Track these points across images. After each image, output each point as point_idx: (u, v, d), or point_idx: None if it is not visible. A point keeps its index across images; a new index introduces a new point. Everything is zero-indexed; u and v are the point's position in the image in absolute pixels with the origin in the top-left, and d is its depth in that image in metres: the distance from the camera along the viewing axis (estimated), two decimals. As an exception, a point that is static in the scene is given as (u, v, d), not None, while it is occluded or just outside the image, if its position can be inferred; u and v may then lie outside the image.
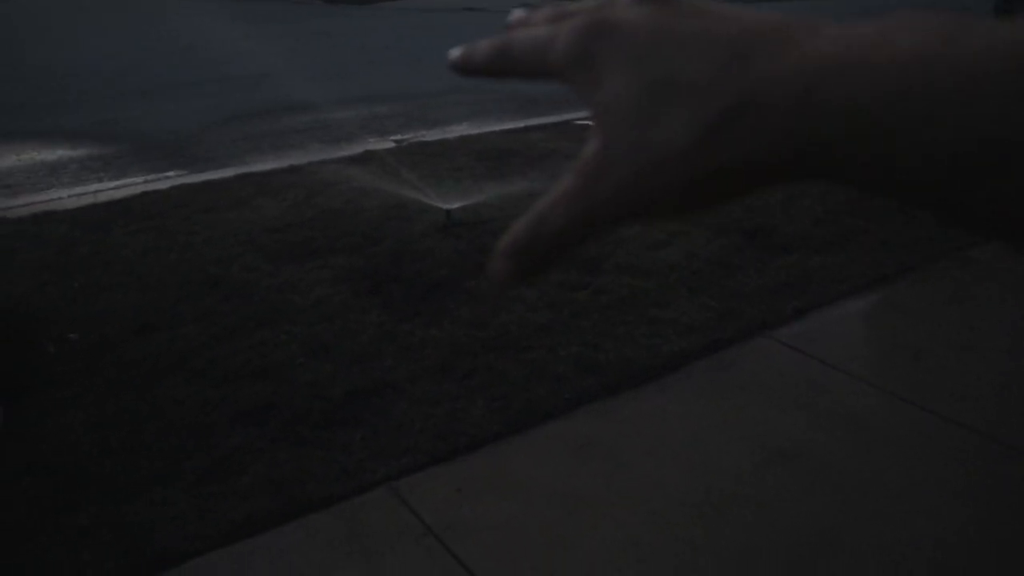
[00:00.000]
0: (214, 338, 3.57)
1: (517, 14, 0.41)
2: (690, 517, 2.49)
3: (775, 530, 2.44)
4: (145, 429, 2.98)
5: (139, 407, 3.11)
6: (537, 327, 3.52)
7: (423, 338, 3.48)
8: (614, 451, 2.81)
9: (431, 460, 2.76)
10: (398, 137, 6.79)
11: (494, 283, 0.40)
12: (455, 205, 4.73)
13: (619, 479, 2.67)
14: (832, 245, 4.27)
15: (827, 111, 0.30)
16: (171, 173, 6.11)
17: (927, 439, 2.82)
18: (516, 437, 2.88)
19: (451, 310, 3.70)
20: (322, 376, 3.26)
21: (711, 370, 3.24)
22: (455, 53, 0.41)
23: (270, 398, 3.14)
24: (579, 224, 0.36)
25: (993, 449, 2.75)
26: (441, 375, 3.22)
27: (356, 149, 6.34)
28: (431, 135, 6.80)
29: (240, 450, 2.87)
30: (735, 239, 4.35)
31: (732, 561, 2.34)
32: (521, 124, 6.94)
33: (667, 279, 3.92)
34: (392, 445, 2.84)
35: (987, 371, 3.20)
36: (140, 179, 6.02)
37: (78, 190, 5.85)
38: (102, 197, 5.51)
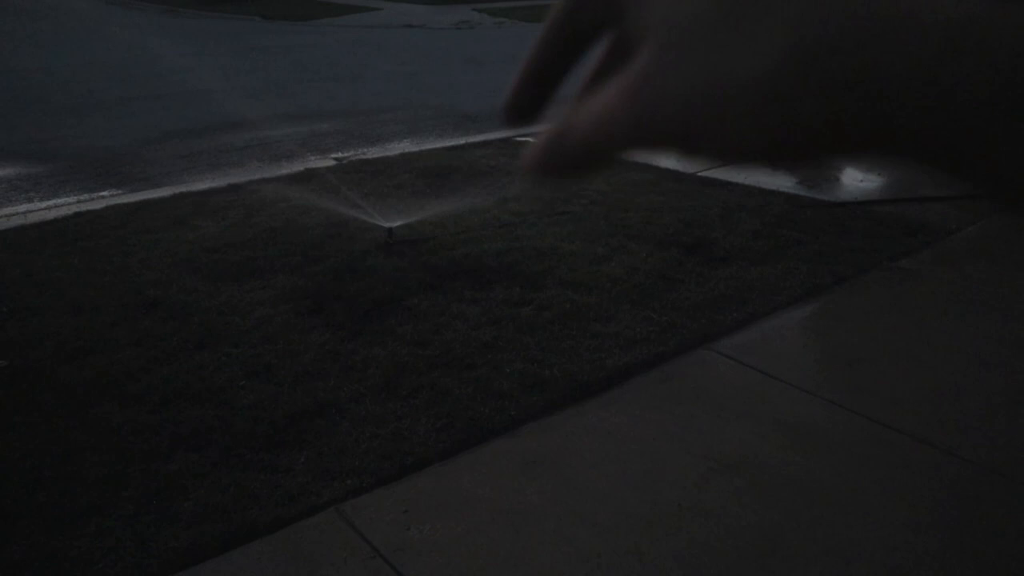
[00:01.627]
0: (152, 361, 3.49)
1: None
2: (638, 529, 2.51)
3: (721, 538, 2.47)
4: (80, 457, 2.90)
5: (73, 435, 3.02)
6: (481, 344, 3.52)
7: (366, 357, 3.46)
8: (560, 466, 2.82)
9: (377, 481, 2.74)
10: (338, 155, 6.75)
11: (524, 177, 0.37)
12: (396, 223, 4.72)
13: (566, 494, 2.68)
14: (769, 257, 4.37)
15: (983, 64, 0.24)
16: (105, 192, 5.98)
17: (865, 444, 2.90)
18: (462, 455, 2.88)
19: (394, 328, 3.68)
20: (264, 398, 3.21)
21: (655, 383, 3.28)
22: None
23: (211, 422, 3.08)
24: (608, 142, 0.31)
25: (929, 452, 2.83)
26: (385, 394, 3.20)
27: (296, 167, 6.29)
28: (372, 152, 6.77)
29: (180, 476, 2.81)
30: (675, 252, 4.42)
31: (681, 570, 2.37)
32: (461, 141, 6.96)
33: (609, 293, 3.96)
34: (337, 467, 2.81)
35: (921, 377, 3.30)
36: (73, 199, 5.86)
37: (7, 211, 5.67)
38: (32, 218, 5.35)
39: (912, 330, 3.65)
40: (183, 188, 5.81)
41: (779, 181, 5.59)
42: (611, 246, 4.47)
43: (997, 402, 3.14)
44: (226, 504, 2.67)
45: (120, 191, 5.99)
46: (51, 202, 5.85)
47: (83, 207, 5.50)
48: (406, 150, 6.79)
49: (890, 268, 4.04)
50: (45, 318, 3.88)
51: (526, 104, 0.37)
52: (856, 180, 5.77)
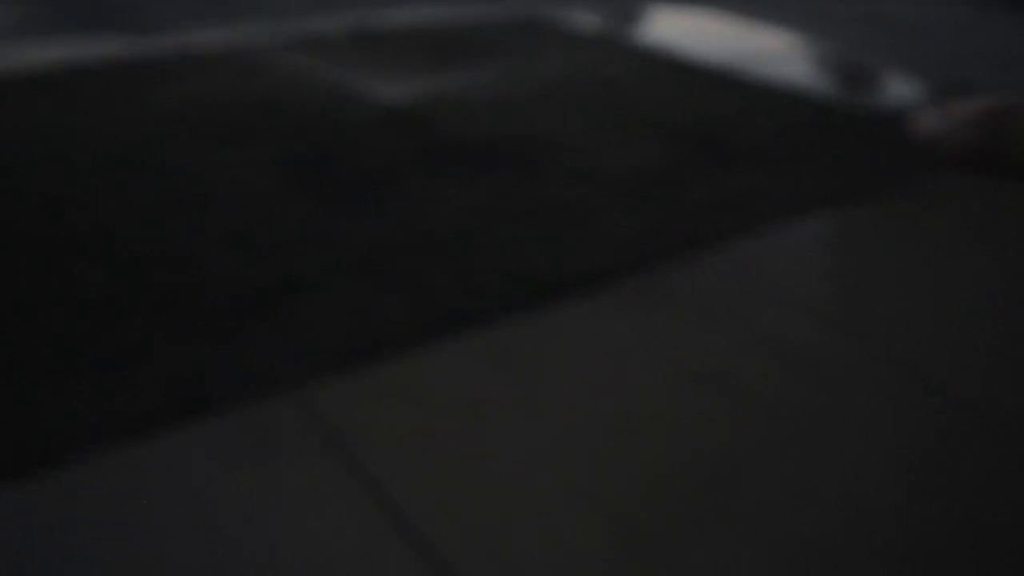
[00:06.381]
0: (129, 221, 3.39)
1: None
2: (600, 432, 2.44)
3: (683, 454, 2.40)
4: (46, 314, 2.84)
5: (41, 292, 2.95)
6: (467, 231, 3.39)
7: (347, 233, 3.34)
8: (529, 364, 2.73)
9: (340, 364, 2.67)
10: (359, 15, 6.43)
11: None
12: (401, 96, 4.50)
13: (532, 392, 2.60)
14: (786, 161, 4.15)
15: None
16: (109, 40, 5.75)
17: (853, 371, 2.78)
18: (431, 344, 2.79)
19: (380, 206, 3.55)
20: (236, 268, 3.11)
21: (640, 287, 3.15)
22: None
23: (179, 289, 3.00)
24: None
25: (922, 390, 2.72)
26: (360, 274, 3.10)
27: (312, 27, 6.00)
28: (392, 17, 6.45)
29: (143, 342, 2.75)
30: (685, 148, 4.20)
31: (640, 476, 2.30)
32: (479, 11, 6.61)
33: (608, 187, 3.78)
34: (301, 346, 2.73)
35: (929, 310, 3.15)
36: (70, 45, 5.65)
37: (1, 53, 5.48)
38: (28, 61, 5.16)
39: (926, 258, 3.47)
40: (183, 41, 5.58)
41: (813, 83, 5.27)
42: (616, 137, 4.26)
43: (998, 343, 3.00)
44: (186, 374, 2.61)
45: (124, 39, 5.76)
46: (51, 47, 5.65)
47: (80, 55, 5.30)
48: (422, 17, 6.46)
49: (913, 189, 3.81)
50: (23, 170, 3.77)
51: None
52: (904, 92, 5.45)
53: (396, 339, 2.79)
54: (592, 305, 3.04)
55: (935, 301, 3.19)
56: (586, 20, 6.66)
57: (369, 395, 2.58)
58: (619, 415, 2.52)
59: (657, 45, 6.05)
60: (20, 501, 2.17)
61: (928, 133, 4.33)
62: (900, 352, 2.85)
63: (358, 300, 2.96)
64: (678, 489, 2.30)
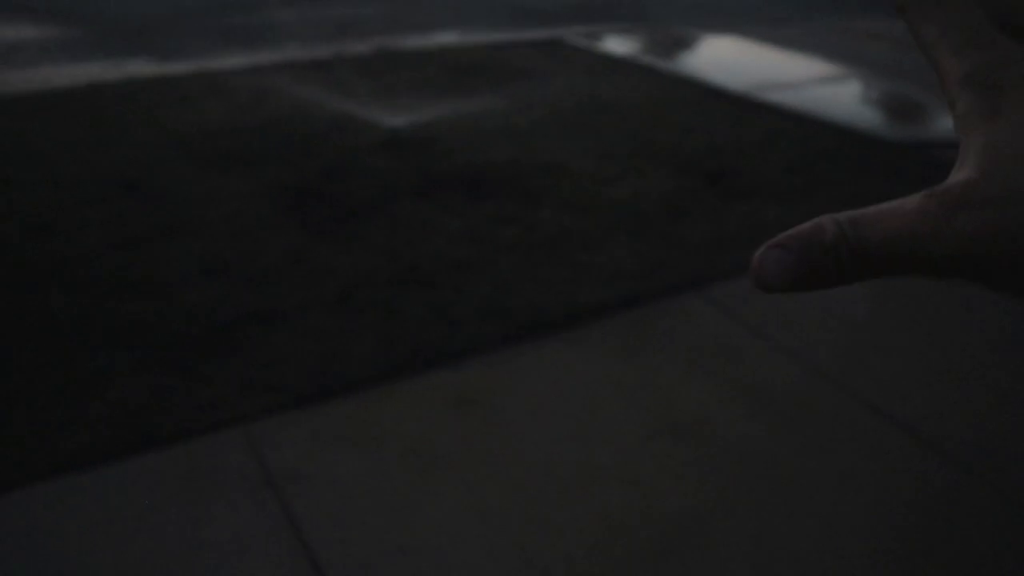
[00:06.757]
0: (112, 246, 3.35)
1: None
2: (555, 490, 2.28)
3: (642, 510, 2.23)
4: (11, 342, 2.80)
5: (10, 318, 2.92)
6: (452, 263, 3.27)
7: (329, 264, 3.25)
8: (496, 408, 2.59)
9: (297, 401, 2.56)
10: (373, 41, 6.42)
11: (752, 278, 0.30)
12: (406, 122, 4.43)
13: (491, 441, 2.46)
14: (799, 195, 3.95)
15: None
16: (129, 62, 5.82)
17: (840, 424, 2.58)
18: (396, 383, 2.67)
19: (368, 235, 3.45)
20: (212, 298, 3.05)
21: (627, 327, 2.99)
22: None
23: (149, 318, 2.94)
24: (883, 257, 0.28)
25: (908, 443, 2.50)
26: (335, 307, 3.00)
27: (324, 53, 5.99)
28: (407, 42, 6.41)
29: (102, 372, 2.69)
30: (693, 180, 4.03)
31: (591, 535, 2.14)
32: (504, 37, 6.53)
33: (607, 220, 3.63)
34: (261, 380, 2.64)
35: (923, 361, 2.92)
36: (96, 67, 5.73)
37: (28, 74, 5.58)
38: (51, 83, 5.24)
39: (929, 305, 3.24)
40: (204, 65, 5.61)
41: (839, 111, 5.05)
42: (625, 167, 4.10)
43: (996, 400, 2.75)
44: (138, 407, 2.53)
45: (143, 63, 5.82)
46: (72, 68, 5.73)
47: (100, 76, 5.36)
48: (442, 42, 6.41)
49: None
50: (21, 190, 3.78)
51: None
52: (932, 119, 5.19)
53: (359, 378, 2.67)
54: (572, 346, 2.89)
55: (930, 349, 2.96)
56: (614, 45, 6.52)
57: (319, 437, 2.46)
58: (581, 468, 2.36)
59: (684, 71, 5.88)
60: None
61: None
62: (890, 402, 2.63)
63: (327, 336, 2.85)
64: (632, 549, 2.12)
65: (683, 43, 6.71)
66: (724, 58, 6.36)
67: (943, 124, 5.09)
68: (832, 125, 4.83)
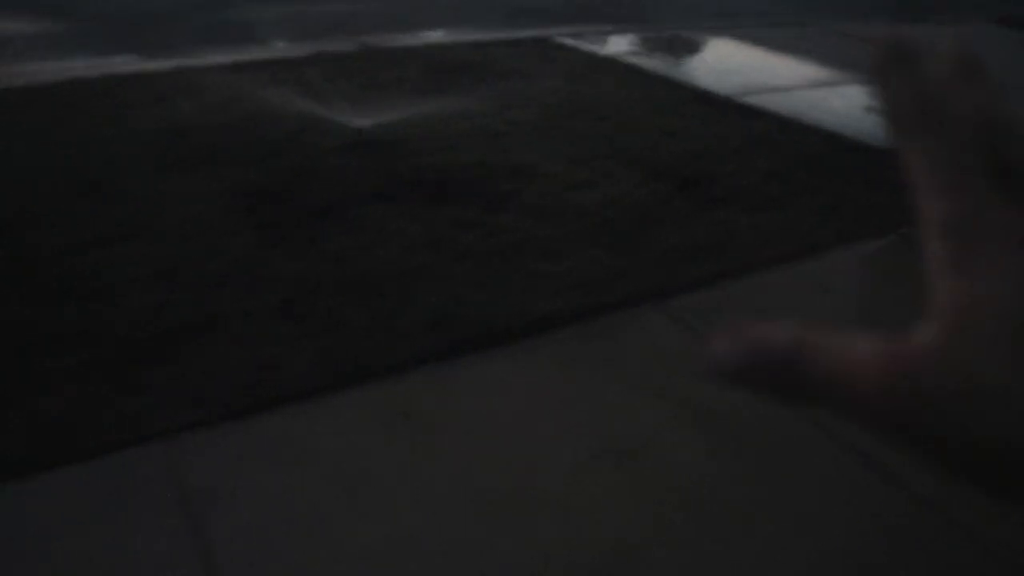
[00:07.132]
0: (65, 248, 3.28)
1: None
2: (483, 517, 2.18)
3: (572, 540, 2.12)
4: (-56, 347, 2.73)
5: (-52, 321, 2.85)
6: (405, 269, 3.17)
7: (278, 270, 3.16)
8: (433, 426, 2.49)
9: (225, 415, 2.47)
10: (361, 39, 6.32)
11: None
12: (378, 122, 4.34)
13: (425, 461, 2.36)
14: (775, 202, 3.82)
15: None
16: (115, 58, 5.76)
17: (799, 453, 2.45)
18: (331, 397, 2.57)
19: (323, 239, 3.36)
20: (157, 303, 2.96)
21: (579, 341, 2.88)
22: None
23: (92, 325, 2.86)
24: (816, 397, 0.28)
25: (866, 475, 2.38)
26: (278, 317, 2.91)
27: (310, 49, 5.91)
28: (396, 40, 6.32)
29: (37, 380, 2.61)
30: (667, 186, 3.91)
31: (513, 569, 2.04)
32: (494, 36, 6.43)
33: (571, 227, 3.52)
34: (193, 393, 2.55)
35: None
36: (82, 63, 5.67)
37: (16, 68, 5.53)
38: (36, 79, 5.18)
39: (906, 318, 3.11)
40: (187, 62, 5.53)
41: (827, 116, 4.91)
42: (597, 171, 3.99)
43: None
44: (62, 419, 2.45)
45: (129, 59, 5.76)
46: (57, 64, 5.68)
47: (83, 73, 5.30)
48: (428, 41, 6.31)
49: (902, 235, 3.44)
50: (-21, 189, 3.72)
51: None
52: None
53: (294, 391, 2.58)
54: (519, 360, 2.78)
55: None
56: (603, 45, 6.40)
57: (246, 451, 2.37)
58: (512, 493, 2.26)
59: (671, 72, 5.75)
60: None
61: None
62: (849, 430, 2.51)
63: (267, 345, 2.77)
64: (555, 584, 2.02)
65: (674, 45, 6.58)
66: (714, 60, 6.22)
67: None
68: (819, 130, 4.69)
